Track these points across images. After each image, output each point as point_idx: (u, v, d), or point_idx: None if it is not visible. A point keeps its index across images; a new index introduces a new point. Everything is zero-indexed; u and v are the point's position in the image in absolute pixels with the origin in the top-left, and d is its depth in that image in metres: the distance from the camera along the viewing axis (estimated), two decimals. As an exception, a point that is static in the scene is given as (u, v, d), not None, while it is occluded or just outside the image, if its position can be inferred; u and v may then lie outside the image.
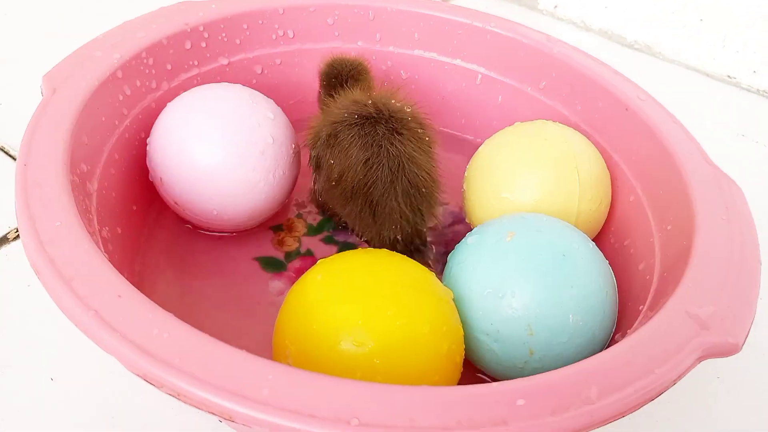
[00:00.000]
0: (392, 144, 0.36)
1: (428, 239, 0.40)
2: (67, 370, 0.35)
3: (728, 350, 0.27)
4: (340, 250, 0.43)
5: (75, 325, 0.25)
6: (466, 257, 0.34)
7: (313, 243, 0.43)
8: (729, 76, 0.70)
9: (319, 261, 0.33)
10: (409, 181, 0.37)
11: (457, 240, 0.45)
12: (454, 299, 0.33)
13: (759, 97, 0.68)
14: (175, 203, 0.39)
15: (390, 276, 0.30)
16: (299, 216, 0.45)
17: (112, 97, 0.37)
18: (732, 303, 0.29)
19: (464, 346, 0.32)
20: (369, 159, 0.36)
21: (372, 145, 0.36)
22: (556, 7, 0.78)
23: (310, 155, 0.39)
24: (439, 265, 0.43)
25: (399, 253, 0.34)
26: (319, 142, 0.38)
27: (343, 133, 0.37)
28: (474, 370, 0.35)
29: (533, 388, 0.24)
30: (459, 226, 0.46)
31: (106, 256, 0.31)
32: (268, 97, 0.42)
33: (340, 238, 0.44)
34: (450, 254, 0.36)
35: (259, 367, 0.24)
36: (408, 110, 0.37)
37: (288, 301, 0.32)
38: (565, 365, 0.32)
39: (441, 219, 0.45)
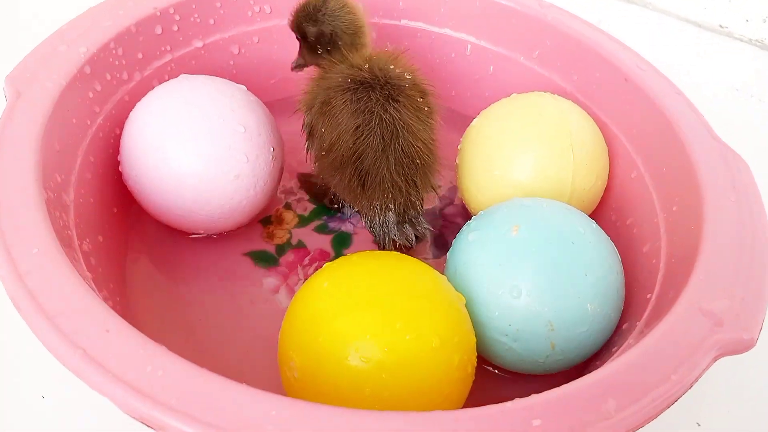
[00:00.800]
0: (386, 111, 0.34)
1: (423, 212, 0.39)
2: (57, 386, 0.34)
3: (744, 347, 0.27)
4: (334, 240, 0.42)
5: (63, 365, 0.23)
6: (472, 256, 0.32)
7: (304, 234, 0.42)
8: (721, 26, 0.68)
9: (325, 265, 0.32)
10: (402, 151, 0.35)
11: (450, 223, 0.44)
12: (465, 303, 0.31)
13: (752, 47, 0.66)
14: (153, 208, 0.37)
15: (399, 285, 0.29)
16: (288, 206, 0.43)
17: (81, 95, 0.34)
18: (746, 295, 0.28)
19: (478, 350, 0.31)
20: (360, 126, 0.34)
21: (364, 112, 0.34)
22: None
23: (304, 121, 0.38)
24: (435, 249, 0.42)
25: (408, 256, 0.32)
26: (313, 109, 0.36)
27: (336, 99, 0.35)
28: (484, 362, 0.35)
29: (549, 405, 0.24)
30: (450, 208, 0.45)
31: (90, 275, 0.29)
32: (242, 84, 0.39)
33: (334, 225, 0.43)
34: (450, 252, 0.35)
35: (261, 403, 0.22)
36: (408, 77, 0.35)
37: (293, 308, 0.30)
38: (585, 353, 0.32)
39: (439, 192, 0.43)
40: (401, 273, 0.30)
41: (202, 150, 0.35)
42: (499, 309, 0.31)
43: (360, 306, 0.28)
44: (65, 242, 0.29)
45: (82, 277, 0.26)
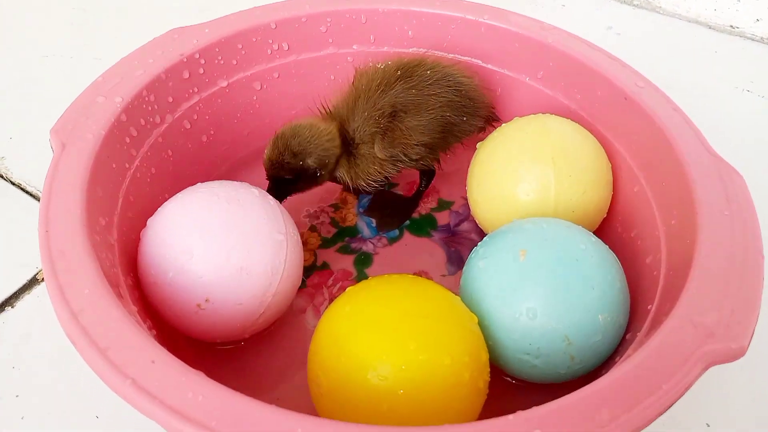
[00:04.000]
0: None
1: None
2: (111, 406, 0.37)
3: (733, 355, 0.29)
4: (356, 260, 0.45)
5: (115, 393, 0.27)
6: (485, 283, 0.35)
7: (328, 255, 0.45)
8: (732, 27, 0.69)
9: (347, 289, 0.35)
10: None
11: (464, 239, 0.46)
12: (483, 324, 0.34)
13: (764, 46, 0.67)
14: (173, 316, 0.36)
15: (413, 307, 0.31)
16: (312, 229, 0.46)
17: (120, 142, 0.38)
18: (736, 306, 0.30)
19: (503, 367, 0.35)
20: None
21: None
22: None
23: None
24: (450, 265, 0.44)
25: (424, 279, 0.35)
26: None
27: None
28: (505, 374, 0.37)
29: (548, 416, 0.26)
30: (465, 224, 0.47)
31: (135, 308, 0.33)
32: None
33: (356, 246, 0.45)
34: (463, 277, 0.37)
35: (290, 422, 0.25)
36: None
37: (319, 330, 0.33)
38: (602, 359, 0.35)
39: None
40: (416, 296, 0.33)
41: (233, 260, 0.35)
42: (518, 331, 0.33)
43: (377, 328, 0.31)
44: (112, 280, 0.32)
45: (128, 312, 0.29)
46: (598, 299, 0.33)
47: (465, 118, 0.44)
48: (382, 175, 0.43)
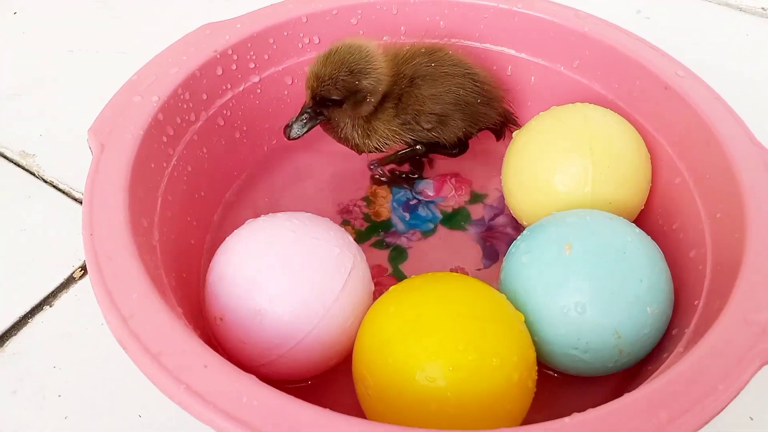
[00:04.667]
0: None
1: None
2: (153, 406, 0.37)
3: (789, 354, 0.28)
4: (390, 254, 0.44)
5: (170, 399, 0.27)
6: (531, 279, 0.34)
7: (363, 249, 0.44)
8: (763, 9, 0.67)
9: (390, 289, 0.34)
10: None
11: (499, 233, 0.46)
12: (528, 320, 0.34)
13: (796, 27, 0.66)
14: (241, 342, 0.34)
15: (460, 308, 0.31)
16: (346, 223, 0.46)
17: (157, 141, 0.38)
18: (790, 303, 0.29)
19: (549, 363, 0.35)
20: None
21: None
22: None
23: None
24: (486, 259, 0.44)
25: (468, 277, 0.35)
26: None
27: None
28: (545, 367, 0.37)
29: (605, 419, 0.26)
30: (500, 218, 0.47)
31: (181, 310, 0.33)
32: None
33: (391, 240, 0.45)
34: (504, 273, 0.37)
35: (344, 426, 0.25)
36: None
37: (363, 330, 0.33)
38: (648, 351, 0.34)
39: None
40: (462, 295, 0.32)
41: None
42: (566, 326, 0.33)
43: (424, 329, 0.31)
44: (157, 281, 0.32)
45: (176, 315, 0.29)
46: (646, 292, 0.33)
47: (479, 100, 0.44)
48: (393, 139, 0.44)
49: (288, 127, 0.42)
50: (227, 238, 0.37)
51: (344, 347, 0.35)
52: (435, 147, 0.47)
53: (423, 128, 0.44)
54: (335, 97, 0.41)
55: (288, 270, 0.34)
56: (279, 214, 0.37)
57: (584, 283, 0.33)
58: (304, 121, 0.42)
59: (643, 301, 0.33)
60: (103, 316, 0.29)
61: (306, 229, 0.35)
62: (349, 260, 0.35)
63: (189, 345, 0.28)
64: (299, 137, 0.42)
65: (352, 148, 0.45)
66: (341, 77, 0.40)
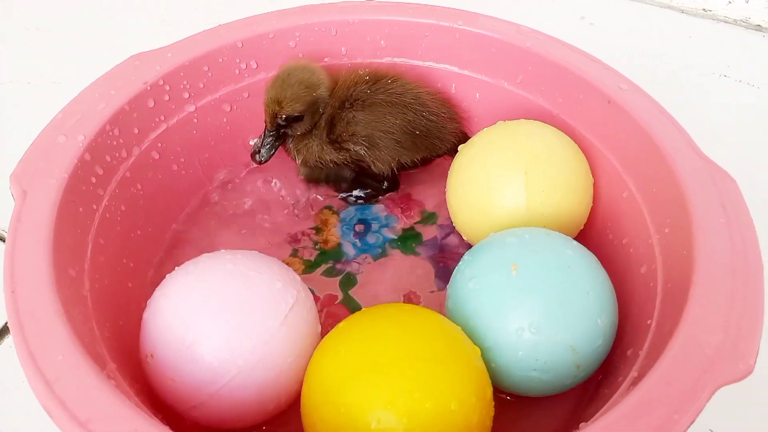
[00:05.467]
0: None
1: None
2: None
3: (741, 375, 0.28)
4: (341, 282, 0.43)
5: (100, 470, 0.25)
6: (480, 305, 0.33)
7: (313, 280, 0.43)
8: (704, 10, 0.68)
9: (340, 325, 0.33)
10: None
11: (452, 253, 0.45)
12: (485, 348, 0.33)
13: (737, 28, 0.66)
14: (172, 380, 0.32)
15: (414, 347, 0.30)
16: (294, 254, 0.44)
17: (85, 183, 0.36)
18: (741, 323, 0.29)
19: (506, 388, 0.34)
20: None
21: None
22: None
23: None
24: (438, 281, 0.43)
25: (422, 308, 0.33)
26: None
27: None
28: (499, 391, 0.36)
29: (558, 459, 0.25)
30: (452, 237, 0.46)
31: (114, 365, 0.31)
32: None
33: (341, 267, 0.44)
34: (452, 301, 0.36)
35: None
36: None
37: (312, 372, 0.32)
38: (599, 363, 0.34)
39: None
40: (416, 332, 0.31)
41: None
42: (522, 349, 0.32)
43: (377, 374, 0.29)
44: (87, 336, 0.30)
45: (107, 376, 0.28)
46: (594, 303, 0.33)
47: (419, 132, 0.44)
48: (323, 156, 0.45)
49: (256, 153, 0.44)
50: (167, 275, 0.35)
51: (286, 390, 0.33)
52: (364, 175, 0.47)
53: (351, 149, 0.45)
54: (298, 114, 0.43)
55: (221, 303, 0.32)
56: (223, 251, 0.36)
57: (535, 302, 0.32)
58: (270, 143, 0.44)
59: (592, 313, 0.33)
60: (29, 384, 0.27)
61: (247, 263, 0.34)
62: (292, 296, 0.33)
63: (119, 410, 0.26)
64: (268, 160, 0.45)
65: (296, 162, 0.47)
66: (301, 94, 0.42)
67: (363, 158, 0.45)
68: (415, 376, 0.29)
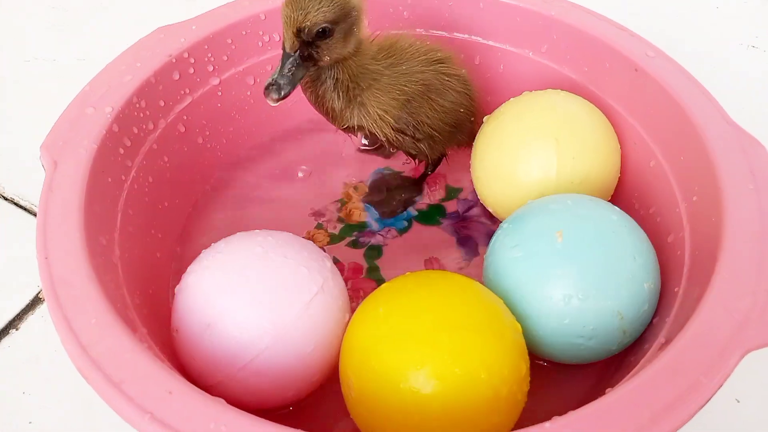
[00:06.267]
0: None
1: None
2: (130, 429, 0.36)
3: (769, 341, 0.28)
4: (365, 254, 0.43)
5: (133, 428, 0.25)
6: (524, 274, 0.33)
7: (338, 250, 0.44)
8: (733, -21, 0.66)
9: (381, 287, 0.33)
10: None
11: (475, 222, 0.45)
12: (529, 317, 0.33)
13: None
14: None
15: (451, 316, 0.30)
16: (319, 226, 0.45)
17: (113, 154, 0.36)
18: (770, 288, 0.29)
19: (550, 356, 0.34)
20: None
21: None
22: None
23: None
24: (465, 251, 0.43)
25: (465, 278, 0.33)
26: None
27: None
28: (536, 357, 0.36)
29: (586, 421, 0.25)
30: (474, 210, 0.46)
31: (145, 330, 0.31)
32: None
33: (364, 240, 0.44)
34: (491, 272, 0.35)
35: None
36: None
37: (351, 330, 0.32)
38: (644, 327, 0.34)
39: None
40: (455, 302, 0.31)
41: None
42: (569, 316, 0.32)
43: (413, 337, 0.30)
44: (119, 302, 0.31)
45: (139, 340, 0.28)
46: (641, 268, 0.33)
47: (471, 119, 0.43)
48: (385, 118, 0.39)
49: (270, 86, 0.34)
50: (203, 251, 0.35)
51: (304, 377, 0.33)
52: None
53: (412, 122, 0.40)
54: (327, 25, 0.33)
55: (244, 285, 0.32)
56: (257, 231, 0.35)
57: (582, 269, 0.32)
58: (291, 71, 0.34)
59: (639, 278, 0.33)
60: (64, 348, 0.28)
61: (276, 248, 0.34)
62: (317, 284, 0.33)
63: (152, 370, 0.26)
64: (288, 96, 0.34)
65: (326, 114, 0.39)
66: (324, 6, 0.33)
67: (420, 144, 0.42)
68: (448, 341, 0.29)
